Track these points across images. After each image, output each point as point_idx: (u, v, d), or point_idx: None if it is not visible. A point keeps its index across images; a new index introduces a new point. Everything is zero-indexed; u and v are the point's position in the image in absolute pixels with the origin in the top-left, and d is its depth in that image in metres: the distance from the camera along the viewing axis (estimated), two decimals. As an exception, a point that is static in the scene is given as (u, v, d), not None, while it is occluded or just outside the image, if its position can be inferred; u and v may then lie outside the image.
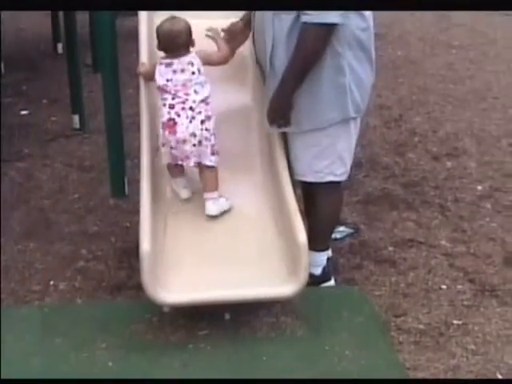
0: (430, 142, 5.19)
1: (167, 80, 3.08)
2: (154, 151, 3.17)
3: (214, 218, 3.13)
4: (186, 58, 3.10)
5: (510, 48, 7.86)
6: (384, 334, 2.97)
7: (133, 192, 3.37)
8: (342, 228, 3.69)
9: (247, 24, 3.21)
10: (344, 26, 2.84)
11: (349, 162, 3.15)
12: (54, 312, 3.12)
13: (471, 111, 5.84)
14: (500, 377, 2.75)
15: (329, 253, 3.30)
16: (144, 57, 3.31)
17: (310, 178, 3.13)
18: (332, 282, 3.30)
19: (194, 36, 3.12)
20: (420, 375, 2.74)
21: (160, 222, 3.08)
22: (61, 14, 6.19)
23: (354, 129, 3.10)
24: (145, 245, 2.71)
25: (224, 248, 3.03)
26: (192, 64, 3.09)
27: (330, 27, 2.80)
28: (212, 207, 3.12)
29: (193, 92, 3.07)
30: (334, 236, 3.45)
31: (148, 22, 3.43)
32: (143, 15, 3.44)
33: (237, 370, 2.71)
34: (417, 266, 3.53)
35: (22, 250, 3.65)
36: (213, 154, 3.10)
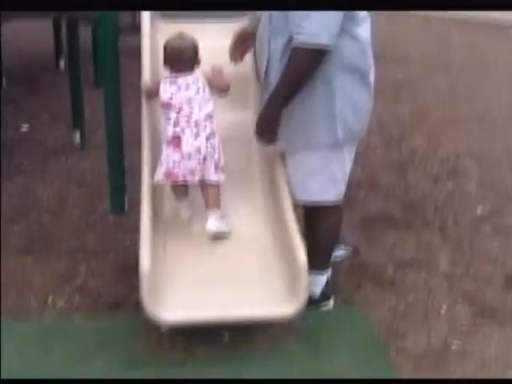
0: (430, 162, 5.19)
1: (171, 96, 3.09)
2: (155, 168, 3.16)
3: (214, 236, 3.13)
4: (191, 76, 3.11)
5: (510, 68, 7.89)
6: (383, 354, 2.96)
7: (133, 208, 3.36)
8: (341, 250, 3.67)
9: (255, 28, 3.21)
10: (337, 49, 2.83)
11: (343, 184, 3.13)
12: (51, 328, 3.10)
13: (472, 132, 5.86)
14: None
15: (328, 273, 3.29)
16: (146, 73, 3.32)
17: (303, 197, 3.12)
18: (331, 303, 3.29)
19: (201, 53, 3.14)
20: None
21: (160, 240, 3.07)
22: (63, 29, 6.21)
23: (347, 153, 3.08)
24: (145, 264, 2.70)
25: (223, 268, 3.02)
26: (197, 81, 3.10)
27: (320, 49, 2.79)
28: (213, 223, 3.12)
29: (197, 108, 3.07)
30: (333, 256, 3.44)
31: (151, 39, 3.45)
32: (146, 31, 3.45)
33: (235, 390, 2.69)
34: (416, 287, 3.52)
35: (21, 266, 3.62)
36: (216, 170, 3.10)
